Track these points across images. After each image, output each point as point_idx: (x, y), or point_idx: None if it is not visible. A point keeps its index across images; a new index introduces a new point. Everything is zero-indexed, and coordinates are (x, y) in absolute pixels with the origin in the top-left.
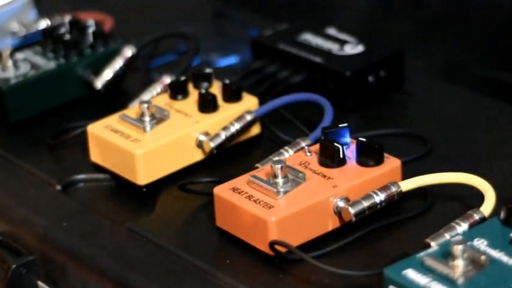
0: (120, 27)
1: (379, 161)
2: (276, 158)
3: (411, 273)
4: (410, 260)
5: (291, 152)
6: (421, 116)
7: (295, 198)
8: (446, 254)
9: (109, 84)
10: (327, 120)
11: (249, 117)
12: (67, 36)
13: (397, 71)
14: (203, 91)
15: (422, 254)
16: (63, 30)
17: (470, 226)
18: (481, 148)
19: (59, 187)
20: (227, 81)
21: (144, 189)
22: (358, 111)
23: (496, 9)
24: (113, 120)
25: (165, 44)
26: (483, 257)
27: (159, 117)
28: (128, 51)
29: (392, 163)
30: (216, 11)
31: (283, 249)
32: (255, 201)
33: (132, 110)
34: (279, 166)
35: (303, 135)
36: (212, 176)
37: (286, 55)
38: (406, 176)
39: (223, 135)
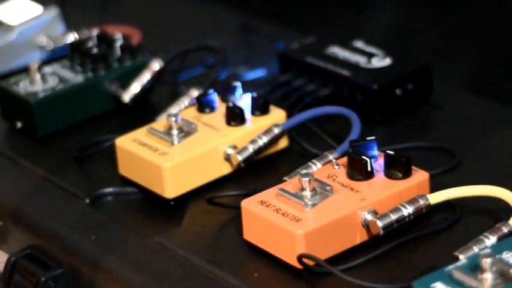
0: (148, 40)
1: (407, 173)
2: (304, 171)
3: (440, 287)
4: (439, 273)
5: (319, 165)
6: (449, 129)
7: (323, 211)
8: (474, 267)
9: (137, 97)
10: (354, 133)
11: (276, 131)
12: (95, 50)
13: (425, 84)
14: (231, 104)
15: (450, 267)
16: (91, 43)
17: (499, 239)
18: (509, 161)
19: (87, 200)
20: (255, 94)
21: (172, 203)
22: (385, 124)
23: None
24: (141, 133)
25: (192, 58)
26: None
27: (186, 131)
28: (156, 65)
29: (420, 176)
30: (244, 25)
31: (311, 263)
32: (282, 214)
33: (160, 123)
34: (307, 179)
35: (331, 148)
36: (240, 189)
37: (313, 68)
38: (434, 189)
39: (251, 149)
